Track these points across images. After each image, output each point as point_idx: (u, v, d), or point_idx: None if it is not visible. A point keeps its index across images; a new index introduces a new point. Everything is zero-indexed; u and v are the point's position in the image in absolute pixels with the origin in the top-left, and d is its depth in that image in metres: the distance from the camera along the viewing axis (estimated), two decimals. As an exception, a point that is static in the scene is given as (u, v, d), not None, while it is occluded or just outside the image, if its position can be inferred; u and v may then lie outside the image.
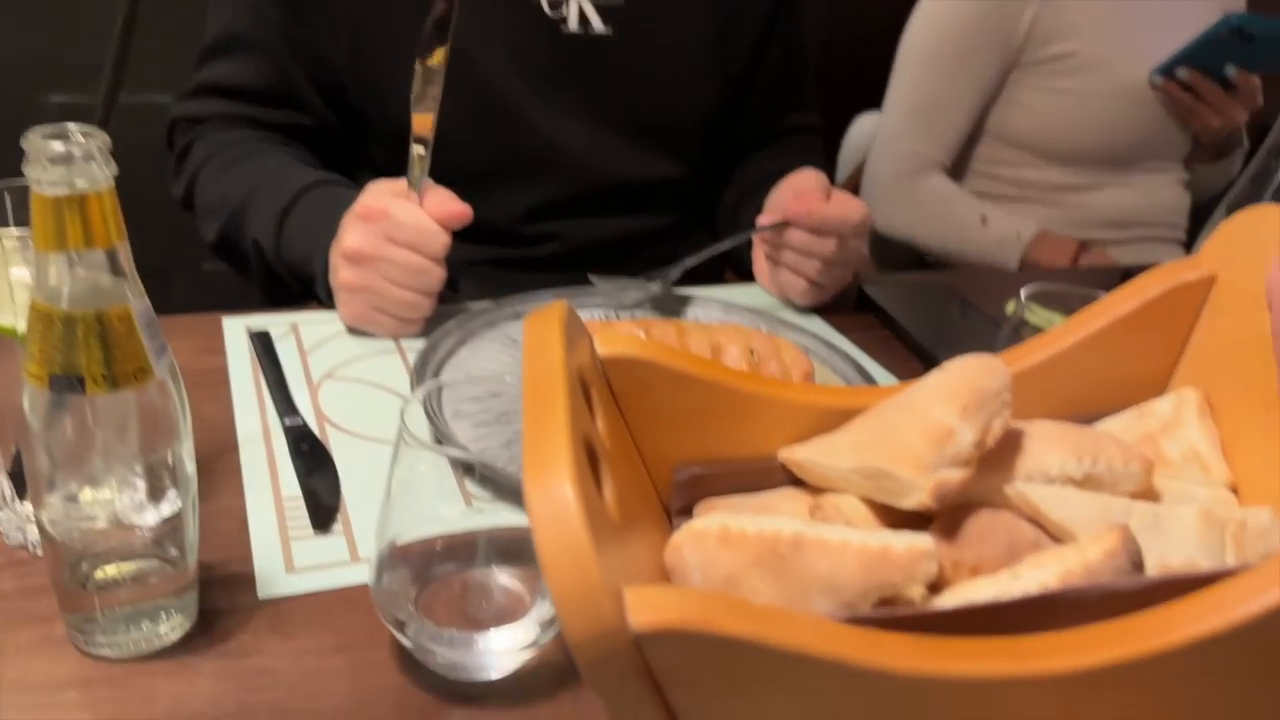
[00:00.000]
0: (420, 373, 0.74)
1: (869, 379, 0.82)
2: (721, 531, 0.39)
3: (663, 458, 0.47)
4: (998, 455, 0.41)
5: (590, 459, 0.36)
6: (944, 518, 0.40)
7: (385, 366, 0.81)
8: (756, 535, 0.38)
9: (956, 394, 0.40)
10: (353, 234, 0.79)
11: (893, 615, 0.34)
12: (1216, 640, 0.32)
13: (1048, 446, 0.42)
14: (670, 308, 0.94)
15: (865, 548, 0.36)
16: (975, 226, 1.41)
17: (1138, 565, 0.35)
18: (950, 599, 0.36)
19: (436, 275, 0.81)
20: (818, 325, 0.96)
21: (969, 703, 0.33)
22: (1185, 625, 0.33)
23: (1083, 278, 1.17)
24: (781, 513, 0.43)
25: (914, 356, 0.92)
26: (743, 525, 0.39)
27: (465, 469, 0.53)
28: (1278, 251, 0.39)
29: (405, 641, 0.48)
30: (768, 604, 0.36)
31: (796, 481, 0.46)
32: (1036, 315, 0.67)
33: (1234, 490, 0.44)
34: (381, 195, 0.80)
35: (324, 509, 0.61)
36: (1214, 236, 0.46)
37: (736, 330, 0.78)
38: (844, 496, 0.42)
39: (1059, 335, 0.46)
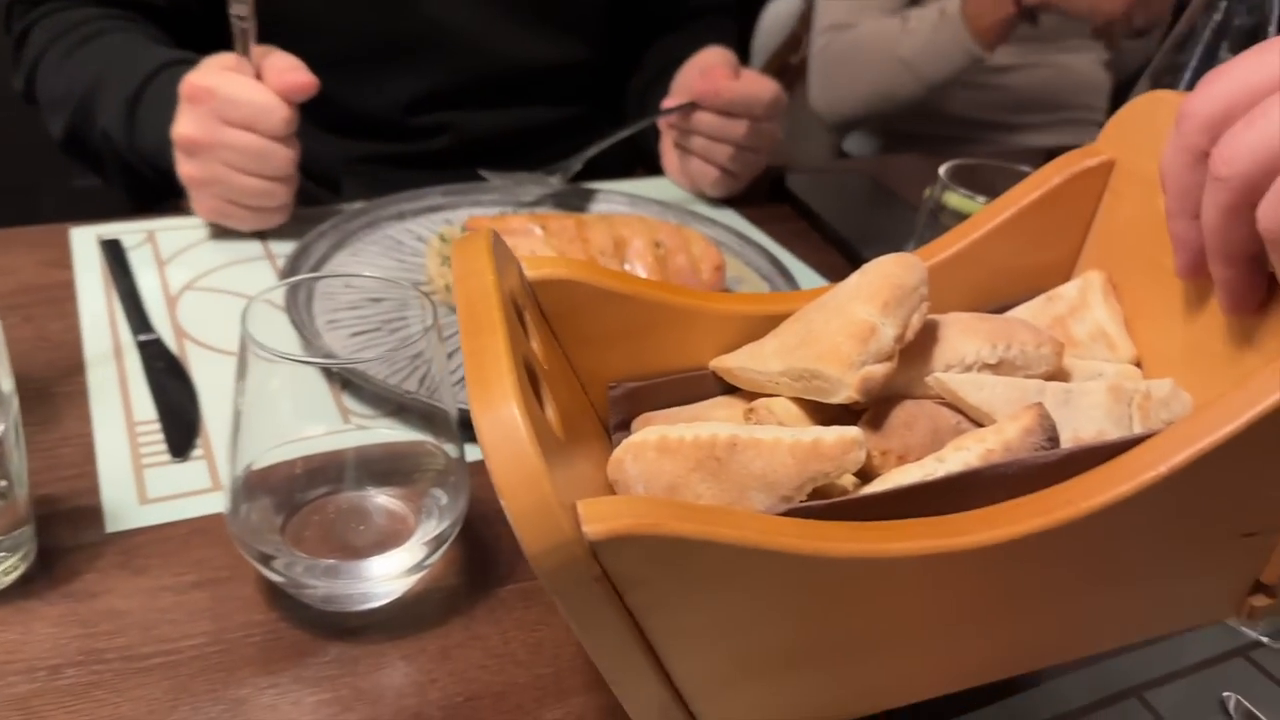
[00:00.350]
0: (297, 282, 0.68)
1: (784, 272, 0.81)
2: (660, 441, 0.40)
3: (597, 376, 0.48)
4: (918, 348, 0.43)
5: (530, 380, 0.37)
6: (871, 411, 0.42)
7: (252, 275, 0.74)
8: (694, 441, 0.39)
9: (877, 292, 0.41)
10: (184, 119, 0.71)
11: (828, 504, 0.36)
12: (1126, 504, 0.35)
13: (964, 336, 0.44)
14: (573, 203, 0.90)
15: (797, 443, 0.38)
16: (902, 40, 1.35)
17: (1053, 440, 0.37)
18: (880, 486, 0.38)
19: (282, 156, 0.73)
20: (731, 218, 0.93)
21: (903, 578, 0.35)
22: (1097, 493, 0.35)
23: (1001, 155, 1.17)
24: (716, 420, 0.45)
25: (831, 247, 0.90)
26: (680, 434, 0.40)
27: (343, 382, 0.52)
28: (1170, 135, 0.41)
29: (274, 576, 0.45)
30: (711, 505, 0.38)
31: (729, 390, 0.48)
32: (954, 198, 0.66)
33: (1138, 364, 0.46)
34: (210, 71, 0.71)
35: (181, 433, 0.57)
36: (1111, 123, 0.48)
37: (641, 222, 0.76)
38: (776, 399, 0.43)
39: (968, 228, 0.48)
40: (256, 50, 0.72)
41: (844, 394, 0.40)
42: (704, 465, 0.39)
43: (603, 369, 0.48)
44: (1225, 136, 0.36)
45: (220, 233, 0.79)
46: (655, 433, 0.41)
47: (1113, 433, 0.41)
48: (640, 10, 1.06)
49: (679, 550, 0.32)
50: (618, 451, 0.42)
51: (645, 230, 0.76)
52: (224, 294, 0.72)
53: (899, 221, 0.94)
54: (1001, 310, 0.50)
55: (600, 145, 0.92)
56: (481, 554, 0.51)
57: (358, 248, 0.79)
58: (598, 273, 0.45)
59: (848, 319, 0.41)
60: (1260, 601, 0.41)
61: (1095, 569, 0.38)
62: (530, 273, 0.44)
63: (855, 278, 0.43)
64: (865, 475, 0.41)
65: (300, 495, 0.47)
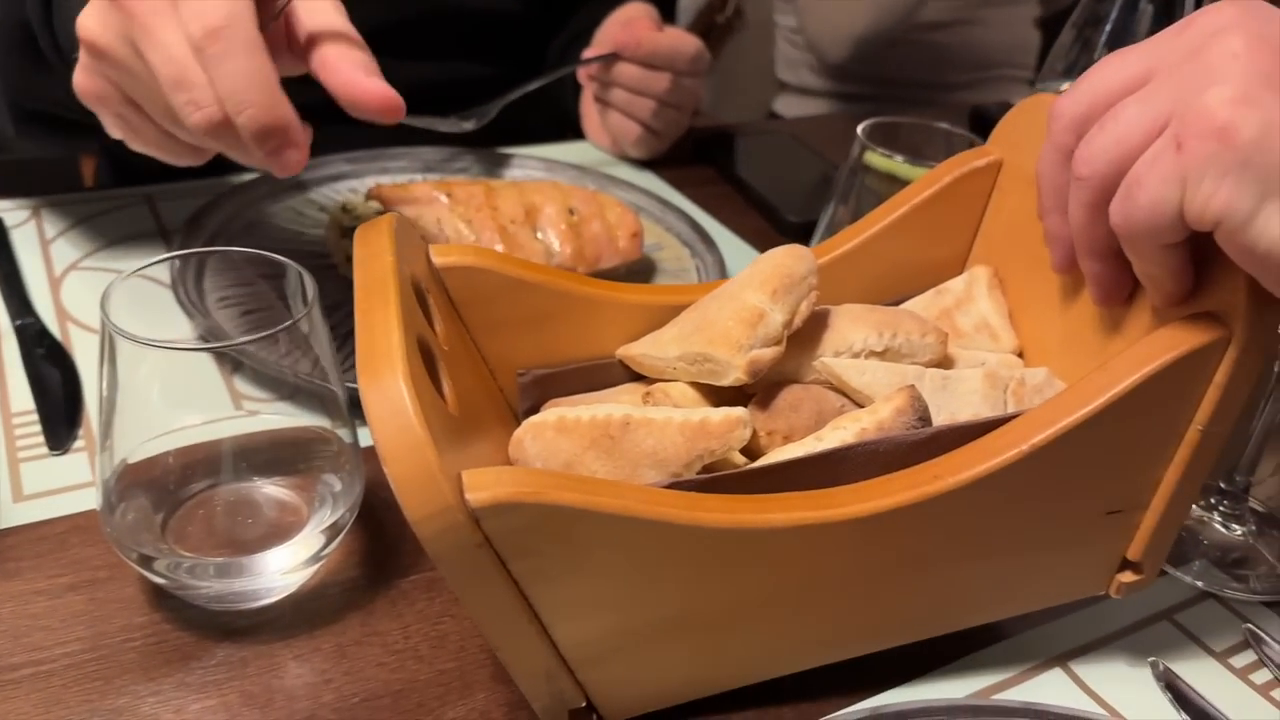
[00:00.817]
0: (184, 257, 0.62)
1: (705, 237, 0.80)
2: (558, 421, 0.42)
3: (507, 362, 0.49)
4: (807, 335, 0.45)
5: (427, 360, 0.38)
6: (760, 394, 0.44)
7: (146, 251, 0.69)
8: (590, 421, 0.41)
9: (767, 280, 0.43)
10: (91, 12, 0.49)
11: (709, 478, 0.38)
12: (990, 479, 0.37)
13: (852, 325, 0.46)
14: (486, 169, 0.88)
15: (687, 422, 0.39)
16: None
17: (924, 420, 0.39)
18: (763, 463, 0.40)
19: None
20: (652, 181, 0.91)
21: (779, 549, 0.37)
22: (964, 469, 0.37)
23: (925, 114, 1.14)
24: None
25: (755, 211, 0.88)
26: (577, 414, 0.41)
27: (234, 365, 0.48)
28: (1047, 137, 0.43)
29: (156, 579, 0.42)
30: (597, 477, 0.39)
31: (636, 377, 0.49)
32: (874, 157, 0.65)
33: (1020, 354, 0.49)
34: None
35: (61, 424, 0.53)
36: (1000, 124, 0.50)
37: (555, 188, 0.74)
38: (673, 384, 0.45)
39: (864, 224, 0.50)
40: None
41: (733, 376, 0.42)
42: (599, 443, 0.41)
43: (512, 356, 0.49)
44: (1085, 138, 0.38)
45: (111, 206, 0.73)
46: (554, 413, 0.42)
47: (988, 416, 0.43)
48: None
49: (561, 519, 0.34)
50: (518, 432, 0.43)
51: (558, 197, 0.73)
52: (113, 273, 0.62)
53: (822, 182, 0.93)
54: (896, 304, 0.52)
55: (519, 91, 0.87)
56: (382, 544, 0.49)
57: (257, 219, 0.76)
58: (506, 261, 0.46)
59: (739, 305, 0.43)
60: (1128, 578, 0.43)
61: (964, 542, 0.40)
62: (438, 259, 0.45)
63: (749, 268, 0.45)
64: (753, 454, 0.42)
65: (181, 490, 0.44)
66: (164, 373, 0.40)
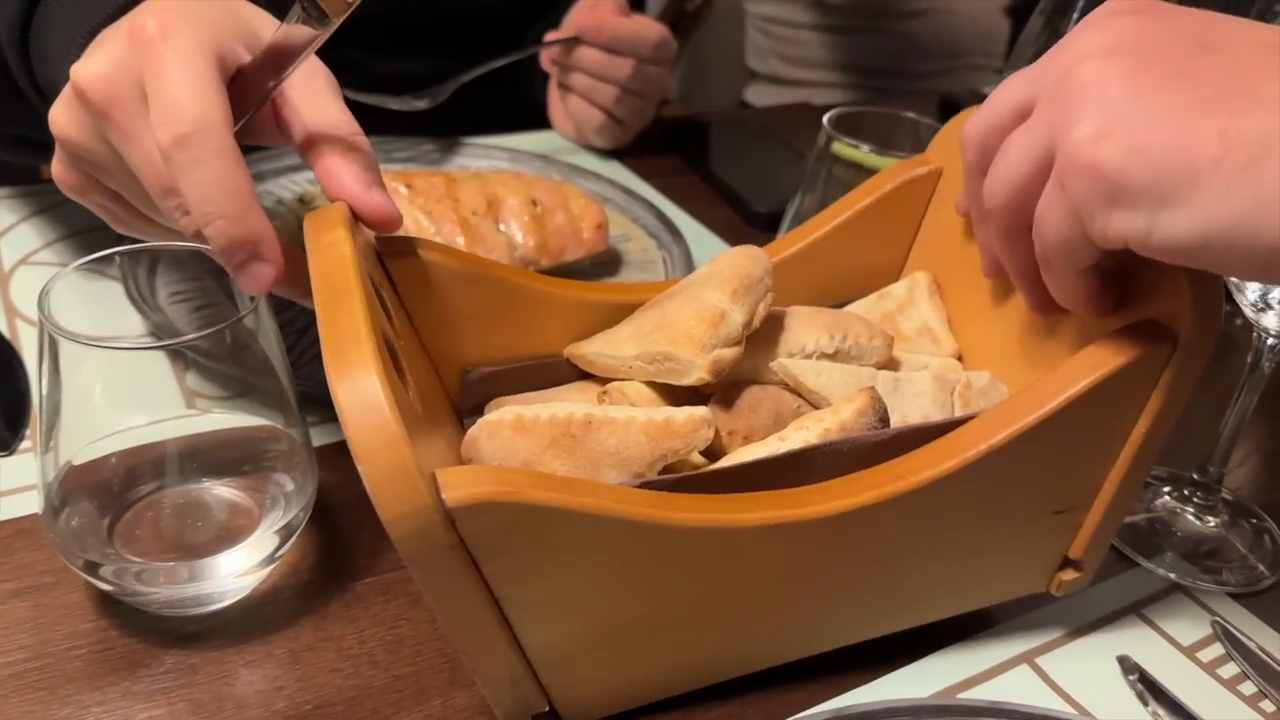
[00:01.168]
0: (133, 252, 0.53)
1: (672, 229, 0.78)
2: (516, 420, 0.41)
3: (451, 359, 0.48)
4: (763, 336, 0.45)
5: (390, 355, 0.37)
6: (719, 394, 0.44)
7: (99, 246, 0.62)
8: (550, 419, 0.40)
9: (726, 281, 0.43)
10: (99, 56, 0.41)
11: (679, 478, 0.37)
12: (949, 479, 0.38)
13: (805, 327, 0.46)
14: (449, 159, 0.87)
15: (650, 421, 0.39)
16: None
17: (884, 421, 0.40)
18: (727, 463, 0.40)
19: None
20: (619, 172, 0.89)
21: (748, 547, 0.37)
22: (924, 469, 0.38)
23: (895, 104, 1.11)
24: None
25: (723, 202, 0.87)
26: (536, 412, 0.41)
27: (186, 363, 0.46)
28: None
29: (103, 585, 0.40)
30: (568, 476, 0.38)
31: (584, 376, 0.49)
32: (841, 147, 0.64)
33: (959, 357, 0.50)
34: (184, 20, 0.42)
35: (7, 424, 0.52)
36: (939, 133, 0.52)
37: (518, 179, 0.73)
38: (629, 383, 0.44)
39: (808, 229, 0.51)
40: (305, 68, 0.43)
41: (695, 375, 0.42)
42: (559, 443, 0.40)
43: (456, 352, 0.48)
44: (990, 171, 0.39)
45: (65, 199, 0.67)
46: (511, 411, 0.41)
47: (937, 417, 0.44)
48: None
49: (537, 518, 0.33)
50: (473, 430, 0.42)
51: (521, 187, 0.71)
52: (63, 268, 0.64)
53: (790, 170, 0.91)
54: (839, 306, 0.52)
55: (475, 72, 0.87)
56: (336, 547, 0.47)
57: None
58: (454, 254, 0.45)
59: (700, 305, 0.43)
60: (1069, 575, 0.45)
61: (922, 541, 0.40)
62: (385, 250, 0.44)
63: (705, 269, 0.45)
64: (713, 454, 0.42)
65: (128, 492, 0.43)
66: (108, 372, 0.38)
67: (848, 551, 0.39)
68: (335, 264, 0.37)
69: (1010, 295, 0.47)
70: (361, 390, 0.31)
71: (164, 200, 0.41)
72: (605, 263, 0.76)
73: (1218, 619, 0.49)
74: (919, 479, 0.38)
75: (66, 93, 0.43)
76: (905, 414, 0.44)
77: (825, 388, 0.43)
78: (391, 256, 0.44)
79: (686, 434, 0.39)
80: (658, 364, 0.43)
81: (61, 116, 0.43)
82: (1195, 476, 0.56)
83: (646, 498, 0.35)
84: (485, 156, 0.87)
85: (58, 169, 0.47)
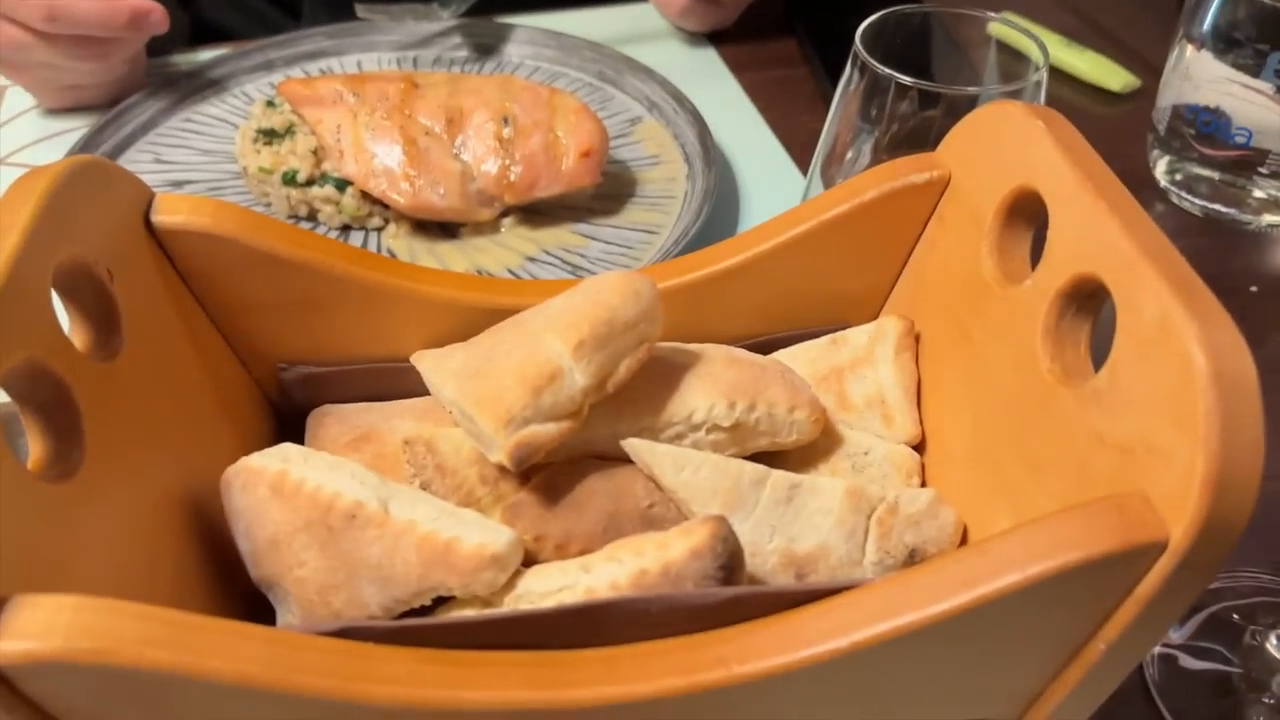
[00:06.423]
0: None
1: (709, 153, 0.63)
2: (277, 479, 0.31)
3: (262, 351, 0.38)
4: (631, 394, 0.34)
5: (42, 389, 0.28)
6: (546, 473, 0.33)
7: (54, 155, 0.65)
8: (311, 495, 0.30)
9: (577, 325, 0.32)
10: None
11: (403, 626, 0.27)
12: (793, 676, 0.27)
13: (700, 384, 0.34)
14: (478, 44, 0.75)
15: (427, 539, 0.29)
16: None
17: (729, 569, 0.29)
18: (509, 594, 0.29)
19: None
20: (705, 61, 0.73)
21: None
22: (755, 657, 0.27)
23: None
24: (400, 435, 0.36)
25: (823, 106, 0.68)
26: (302, 476, 0.31)
27: None
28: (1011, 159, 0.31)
29: None
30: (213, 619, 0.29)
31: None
32: (1006, 32, 0.47)
33: (918, 447, 0.37)
34: None
35: None
36: (954, 131, 0.38)
37: (501, 87, 0.61)
38: (446, 433, 0.34)
39: (753, 238, 0.38)
40: None
41: (495, 456, 0.31)
42: (314, 529, 0.30)
43: (270, 345, 0.38)
44: None
45: (28, 101, 0.67)
46: (278, 462, 0.32)
47: (839, 549, 0.32)
48: None
49: (150, 684, 0.23)
50: (229, 472, 0.32)
51: (499, 97, 0.60)
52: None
53: (949, 67, 0.76)
54: (789, 339, 0.40)
55: None
56: None
57: (188, 115, 0.67)
58: (254, 228, 0.35)
59: (531, 353, 0.32)
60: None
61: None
62: (161, 217, 0.34)
63: (564, 297, 0.34)
64: (528, 561, 0.32)
65: None
66: None
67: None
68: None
69: (1012, 376, 0.33)
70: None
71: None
72: (609, 195, 0.64)
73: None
74: (746, 671, 0.27)
75: None
76: (793, 539, 0.32)
77: (686, 487, 0.32)
78: (169, 226, 0.34)
79: (466, 572, 0.29)
80: (466, 424, 0.32)
81: None
82: None
83: (330, 657, 0.25)
84: (521, 42, 0.75)
85: None
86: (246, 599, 0.33)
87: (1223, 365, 0.25)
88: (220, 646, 0.24)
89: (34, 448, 0.27)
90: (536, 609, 0.27)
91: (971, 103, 0.41)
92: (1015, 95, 0.41)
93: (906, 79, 0.42)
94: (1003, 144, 0.35)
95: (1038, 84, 0.43)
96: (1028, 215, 0.34)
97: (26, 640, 0.22)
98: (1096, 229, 0.29)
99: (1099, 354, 0.30)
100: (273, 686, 0.24)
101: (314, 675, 0.25)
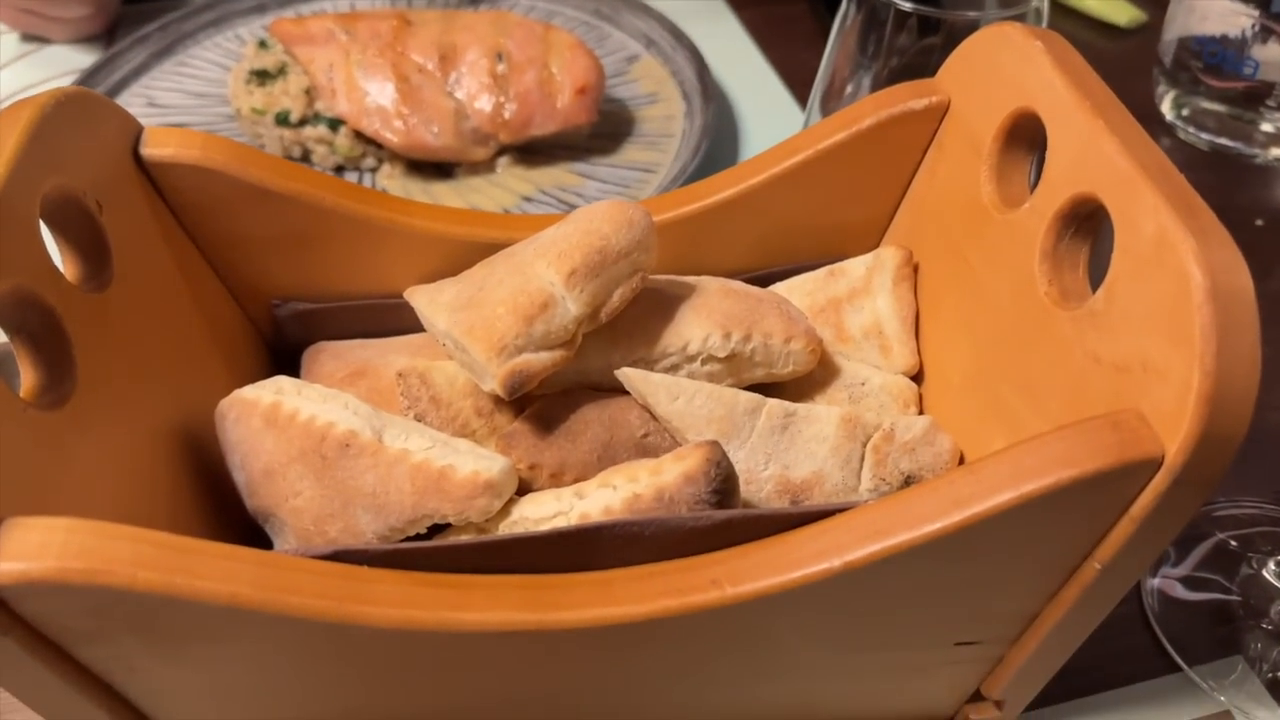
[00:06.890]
0: None
1: (708, 88, 0.62)
2: (270, 410, 0.31)
3: (255, 287, 0.38)
4: (626, 325, 0.33)
5: (34, 318, 0.27)
6: (541, 404, 0.33)
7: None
8: (305, 426, 0.30)
9: (569, 254, 0.31)
10: None
11: (396, 549, 0.27)
12: (783, 597, 0.27)
13: (695, 315, 0.34)
14: None
15: (421, 467, 0.29)
16: None
17: (722, 493, 0.28)
18: (503, 521, 0.29)
19: None
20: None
21: (477, 656, 0.27)
22: (749, 577, 0.27)
23: None
24: (395, 370, 0.36)
25: (821, 42, 0.62)
26: (296, 407, 0.31)
27: None
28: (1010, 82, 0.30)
29: None
30: (201, 541, 0.29)
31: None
32: None
33: (916, 377, 0.37)
34: None
35: None
36: (954, 55, 0.37)
37: (494, 24, 0.60)
38: (440, 365, 0.34)
39: (748, 170, 0.38)
40: None
41: (489, 385, 0.31)
42: (308, 458, 0.30)
43: (263, 280, 0.38)
44: None
45: (30, 46, 0.67)
46: (271, 393, 0.32)
47: (835, 476, 0.32)
48: None
49: (142, 605, 0.24)
50: (223, 404, 0.32)
51: (492, 33, 0.59)
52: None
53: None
54: (786, 273, 0.40)
55: None
56: None
57: (185, 59, 0.67)
58: (245, 160, 0.35)
59: (523, 282, 0.31)
60: (981, 713, 0.33)
61: (749, 663, 0.30)
62: (150, 150, 0.34)
63: (557, 227, 0.33)
64: (522, 489, 0.32)
65: None
66: None
67: (632, 671, 0.29)
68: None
69: (1009, 302, 0.33)
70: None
71: None
72: (606, 134, 0.63)
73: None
74: (740, 591, 0.27)
75: None
76: (789, 466, 0.32)
77: (681, 416, 0.32)
78: (158, 158, 0.34)
79: (460, 499, 0.29)
80: (460, 354, 0.32)
81: None
82: None
83: (322, 579, 0.25)
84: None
85: None
86: (243, 530, 0.33)
87: (1219, 280, 0.24)
88: (212, 568, 0.24)
89: (25, 376, 0.27)
90: (530, 532, 0.27)
91: (971, 27, 0.40)
92: (1017, 20, 0.41)
93: (906, 4, 0.42)
94: (1002, 67, 0.34)
95: (1038, 10, 0.42)
96: (1027, 139, 0.34)
97: (20, 561, 0.22)
98: (1095, 148, 0.29)
99: (1097, 278, 0.29)
100: (265, 607, 0.24)
101: (307, 596, 0.25)
